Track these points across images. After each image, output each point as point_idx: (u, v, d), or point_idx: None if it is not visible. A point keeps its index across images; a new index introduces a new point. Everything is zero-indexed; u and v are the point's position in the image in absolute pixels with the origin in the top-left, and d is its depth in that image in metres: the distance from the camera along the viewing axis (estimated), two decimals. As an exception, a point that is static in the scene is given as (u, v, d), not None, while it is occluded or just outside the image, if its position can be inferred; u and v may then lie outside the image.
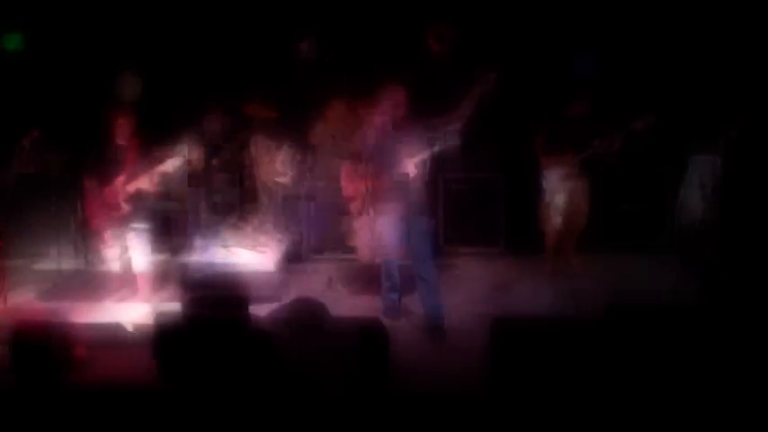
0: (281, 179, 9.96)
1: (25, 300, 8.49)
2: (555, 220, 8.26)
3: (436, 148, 7.16)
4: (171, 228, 10.07)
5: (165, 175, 7.83)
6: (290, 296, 8.39)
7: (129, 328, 5.78)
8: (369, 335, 2.92)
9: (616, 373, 4.97)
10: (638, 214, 9.80)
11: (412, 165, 7.17)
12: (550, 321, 6.10)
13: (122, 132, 7.73)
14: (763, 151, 7.43)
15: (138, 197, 7.78)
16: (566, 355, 5.14)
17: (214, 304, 3.08)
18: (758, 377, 4.77)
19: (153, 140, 8.12)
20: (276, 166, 9.35)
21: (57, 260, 9.55)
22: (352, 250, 9.68)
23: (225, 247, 8.18)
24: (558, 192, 8.07)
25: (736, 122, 7.76)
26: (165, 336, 3.58)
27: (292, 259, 9.64)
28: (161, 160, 7.78)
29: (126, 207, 7.72)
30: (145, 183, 7.71)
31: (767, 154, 7.38)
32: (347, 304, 8.14)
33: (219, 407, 2.82)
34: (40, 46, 9.10)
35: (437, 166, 9.21)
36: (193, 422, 2.90)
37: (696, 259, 7.86)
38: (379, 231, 7.60)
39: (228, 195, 9.75)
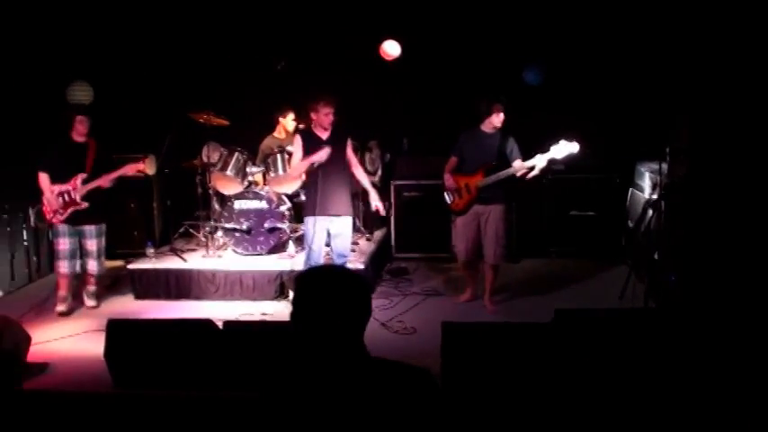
0: (369, 178, 9.93)
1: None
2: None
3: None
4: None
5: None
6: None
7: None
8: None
9: (565, 375, 5.05)
10: (587, 220, 9.89)
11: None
12: (500, 326, 6.19)
13: (83, 130, 7.86)
14: (708, 159, 7.56)
15: (95, 194, 7.93)
16: (515, 358, 5.21)
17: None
18: (706, 378, 4.89)
19: (115, 143, 8.26)
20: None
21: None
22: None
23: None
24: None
25: (683, 130, 7.88)
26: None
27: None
28: (123, 164, 8.03)
29: (83, 203, 7.86)
30: (104, 182, 7.90)
31: (711, 161, 7.50)
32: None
33: None
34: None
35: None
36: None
37: (643, 264, 7.97)
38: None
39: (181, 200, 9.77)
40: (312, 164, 7.38)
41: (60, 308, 8.05)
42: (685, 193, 7.50)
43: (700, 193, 7.46)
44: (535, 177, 7.60)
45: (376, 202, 7.77)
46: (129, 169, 8.04)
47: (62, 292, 8.09)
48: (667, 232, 7.53)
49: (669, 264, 7.39)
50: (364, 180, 7.93)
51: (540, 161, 7.42)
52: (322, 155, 7.34)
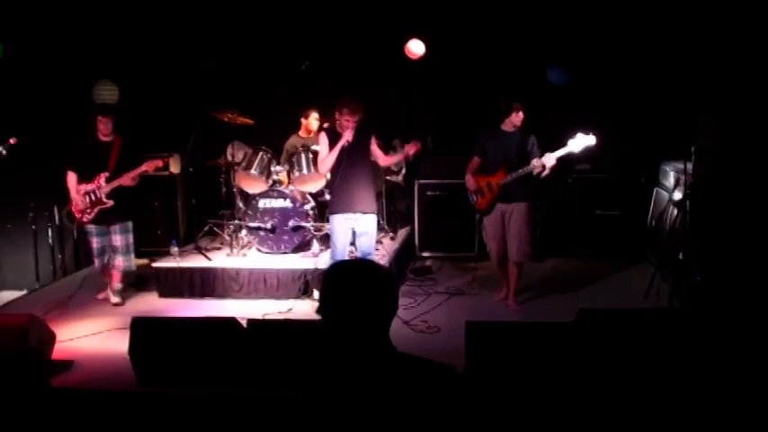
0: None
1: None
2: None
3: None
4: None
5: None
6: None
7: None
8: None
9: (588, 375, 5.03)
10: (612, 220, 9.83)
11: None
12: (524, 325, 6.17)
13: (105, 129, 7.98)
14: (734, 158, 7.51)
15: (120, 193, 8.02)
16: (538, 358, 5.19)
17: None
18: (731, 378, 4.85)
19: (139, 143, 8.34)
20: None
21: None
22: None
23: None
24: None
25: (708, 129, 7.82)
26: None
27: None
28: (145, 161, 8.04)
29: (109, 202, 7.98)
30: (125, 180, 7.96)
31: (737, 161, 7.45)
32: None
33: None
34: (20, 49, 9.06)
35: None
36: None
37: (668, 263, 7.92)
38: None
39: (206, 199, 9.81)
40: (342, 148, 7.32)
41: (102, 296, 8.51)
42: (711, 193, 7.45)
43: (725, 193, 7.41)
44: (547, 177, 7.55)
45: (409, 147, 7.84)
46: (148, 166, 8.06)
47: (104, 279, 8.48)
48: (692, 232, 7.47)
49: (694, 264, 7.33)
50: (391, 159, 8.11)
51: (548, 160, 7.39)
52: (347, 135, 7.28)
